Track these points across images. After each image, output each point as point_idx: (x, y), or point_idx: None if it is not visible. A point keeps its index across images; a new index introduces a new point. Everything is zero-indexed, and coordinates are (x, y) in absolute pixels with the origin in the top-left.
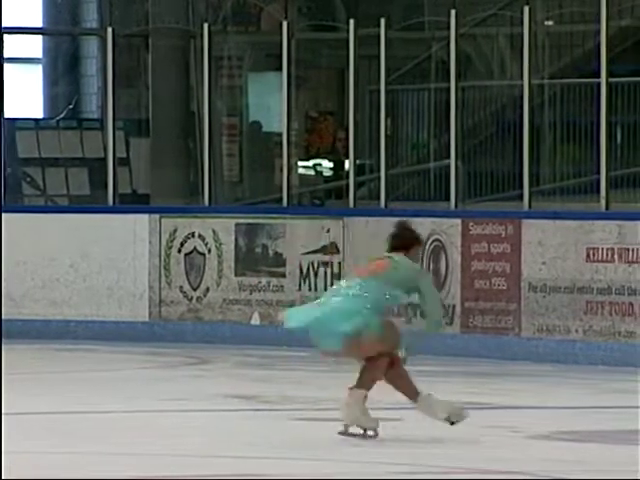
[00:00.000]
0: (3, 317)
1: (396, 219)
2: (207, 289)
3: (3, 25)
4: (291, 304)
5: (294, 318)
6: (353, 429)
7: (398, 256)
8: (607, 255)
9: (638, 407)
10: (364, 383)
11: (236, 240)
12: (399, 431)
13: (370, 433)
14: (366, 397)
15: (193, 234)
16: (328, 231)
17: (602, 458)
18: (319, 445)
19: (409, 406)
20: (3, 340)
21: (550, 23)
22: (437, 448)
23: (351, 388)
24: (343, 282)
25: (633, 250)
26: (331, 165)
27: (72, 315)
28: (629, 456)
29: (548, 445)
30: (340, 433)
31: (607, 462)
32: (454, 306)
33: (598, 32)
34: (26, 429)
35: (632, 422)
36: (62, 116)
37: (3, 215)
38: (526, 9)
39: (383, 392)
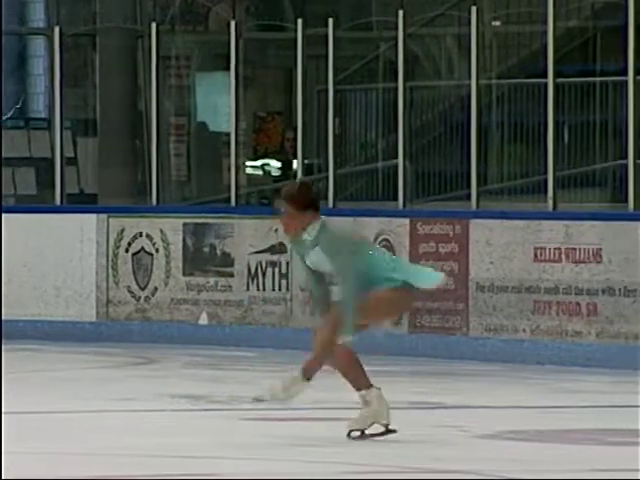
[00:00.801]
0: None
1: (344, 219)
2: (155, 289)
3: None
4: (239, 304)
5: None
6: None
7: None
8: (554, 255)
9: (586, 407)
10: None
11: (184, 240)
12: (346, 430)
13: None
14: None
15: (141, 234)
16: (276, 231)
17: (547, 457)
18: (267, 445)
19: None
20: None
21: (497, 23)
22: (385, 447)
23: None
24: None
25: (580, 250)
26: (279, 165)
27: (19, 315)
28: (577, 455)
29: (495, 444)
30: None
31: (552, 462)
32: None
33: (545, 33)
34: None
35: (579, 422)
36: (9, 115)
37: None
38: (473, 9)
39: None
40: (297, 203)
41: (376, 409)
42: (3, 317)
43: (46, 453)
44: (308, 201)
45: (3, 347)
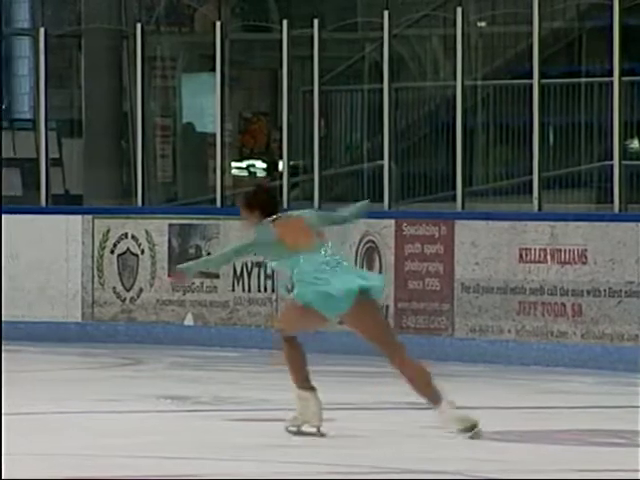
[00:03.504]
0: None
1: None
2: (140, 290)
3: None
4: (224, 304)
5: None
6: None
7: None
8: (540, 256)
9: (570, 408)
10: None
11: (169, 241)
12: (339, 431)
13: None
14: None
15: (126, 235)
16: None
17: (532, 458)
18: (252, 446)
19: (342, 406)
20: None
21: (483, 24)
22: (368, 448)
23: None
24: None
25: (565, 251)
26: (265, 166)
27: (3, 315)
28: (561, 456)
29: (479, 445)
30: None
31: (536, 462)
32: (387, 306)
33: (530, 34)
34: None
35: (563, 422)
36: None
37: None
38: (459, 10)
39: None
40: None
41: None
42: None
43: (23, 454)
44: (255, 205)
45: None
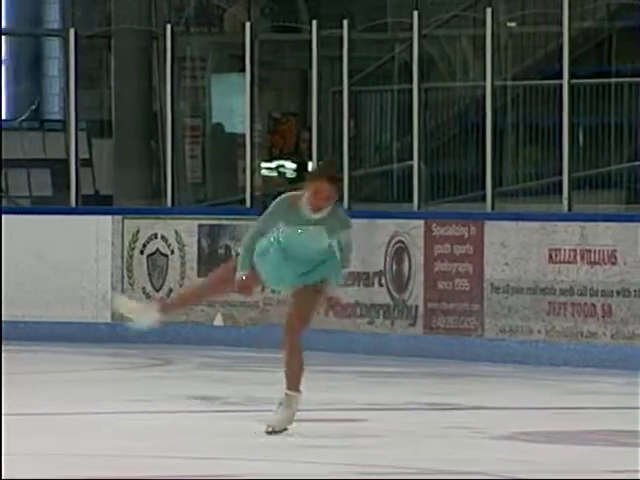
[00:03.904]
0: None
1: (359, 221)
2: (170, 290)
3: None
4: (254, 305)
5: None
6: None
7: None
8: (569, 256)
9: (600, 408)
10: None
11: (199, 241)
12: (364, 431)
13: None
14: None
15: (156, 235)
16: None
17: (561, 459)
18: (282, 446)
19: (373, 407)
20: None
21: (513, 25)
22: (399, 449)
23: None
24: None
25: (595, 251)
26: (294, 166)
27: (35, 316)
28: (591, 457)
29: (510, 446)
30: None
31: (565, 463)
32: (417, 307)
33: (560, 34)
34: None
35: (593, 423)
36: (24, 117)
37: None
38: (489, 11)
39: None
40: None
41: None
42: (17, 319)
43: (54, 455)
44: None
45: (17, 349)
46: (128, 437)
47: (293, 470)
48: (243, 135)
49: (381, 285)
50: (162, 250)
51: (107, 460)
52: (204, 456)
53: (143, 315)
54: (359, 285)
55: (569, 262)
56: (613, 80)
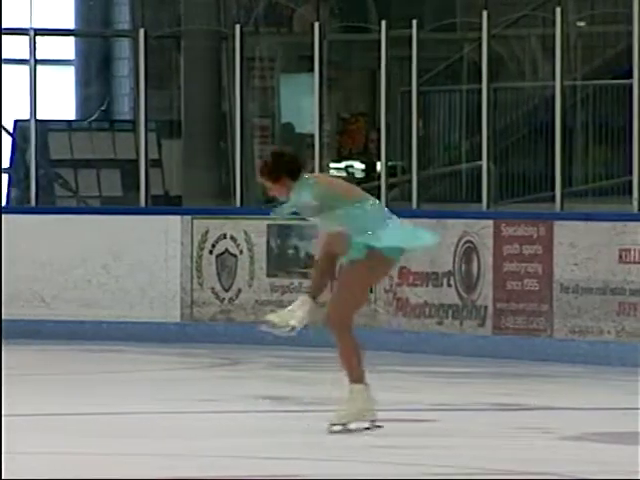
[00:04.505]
0: (34, 318)
1: (428, 221)
2: (239, 290)
3: (35, 26)
4: (323, 304)
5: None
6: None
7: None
8: (639, 256)
9: None
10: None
11: (268, 241)
12: (432, 432)
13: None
14: None
15: (225, 235)
16: None
17: (630, 459)
18: (352, 446)
19: (441, 407)
20: (34, 341)
21: (582, 24)
22: (467, 449)
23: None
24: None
25: None
26: (363, 167)
27: (104, 316)
28: None
29: (580, 446)
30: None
31: (635, 463)
32: (486, 307)
33: (630, 33)
34: (59, 430)
35: None
36: (94, 117)
37: (36, 217)
38: (558, 10)
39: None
40: (269, 174)
41: (360, 407)
42: (84, 318)
43: (125, 454)
44: (280, 170)
45: (86, 349)
46: (196, 437)
47: (359, 470)
48: (312, 135)
49: (450, 285)
50: (231, 250)
51: (176, 460)
52: (271, 456)
53: (294, 315)
54: (428, 285)
55: (639, 262)
56: None
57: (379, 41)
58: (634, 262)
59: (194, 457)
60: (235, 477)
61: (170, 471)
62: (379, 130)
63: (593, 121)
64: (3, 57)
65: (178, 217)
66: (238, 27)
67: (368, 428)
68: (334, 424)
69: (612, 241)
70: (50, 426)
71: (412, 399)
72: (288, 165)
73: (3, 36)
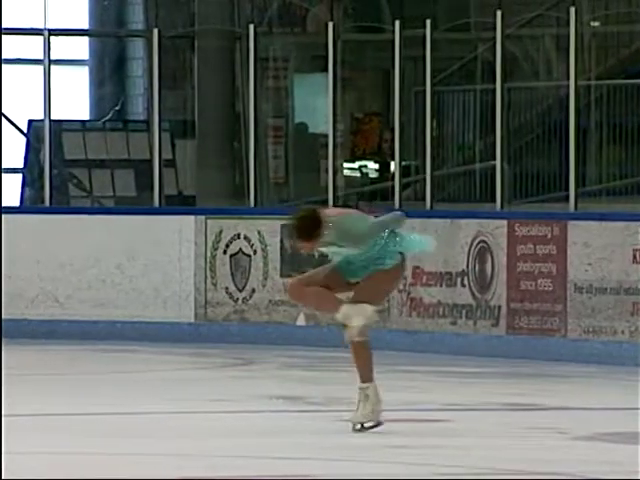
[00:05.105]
0: (48, 318)
1: (442, 221)
2: (253, 290)
3: (50, 27)
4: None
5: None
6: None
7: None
8: None
9: None
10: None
11: (281, 241)
12: (444, 432)
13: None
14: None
15: (239, 235)
16: None
17: None
18: (364, 446)
19: (455, 407)
20: (48, 341)
21: (596, 24)
22: (480, 449)
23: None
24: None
25: None
26: (377, 166)
27: (118, 316)
28: None
29: (591, 446)
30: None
31: None
32: (500, 307)
33: None
34: (64, 429)
35: None
36: (108, 118)
37: (49, 216)
38: (572, 10)
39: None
40: (304, 237)
41: (374, 405)
42: (98, 318)
43: (138, 454)
44: (310, 232)
45: (99, 348)
46: (209, 437)
47: (370, 470)
48: (326, 135)
49: (464, 285)
50: (245, 250)
51: (186, 460)
52: (282, 456)
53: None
54: (442, 285)
55: None
56: None
57: (393, 41)
58: None
59: (205, 457)
60: (246, 477)
61: (180, 471)
62: (393, 130)
63: (607, 121)
64: (18, 57)
65: (192, 217)
66: (252, 27)
67: (375, 426)
68: (360, 423)
69: (626, 241)
70: (55, 426)
71: (424, 399)
72: (315, 226)
73: (18, 36)
